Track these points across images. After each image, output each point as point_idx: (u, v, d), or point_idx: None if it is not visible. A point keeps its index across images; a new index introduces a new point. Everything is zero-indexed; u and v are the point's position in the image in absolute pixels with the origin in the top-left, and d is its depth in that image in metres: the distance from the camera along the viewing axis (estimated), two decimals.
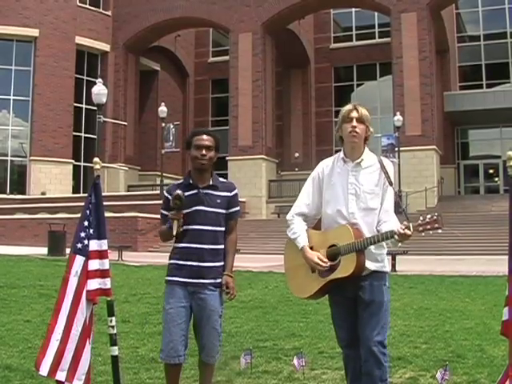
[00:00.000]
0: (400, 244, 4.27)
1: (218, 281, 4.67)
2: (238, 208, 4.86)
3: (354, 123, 4.36)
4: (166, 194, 4.79)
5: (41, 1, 41.08)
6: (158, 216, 5.02)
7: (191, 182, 4.75)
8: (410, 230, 4.13)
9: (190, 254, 4.62)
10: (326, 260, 4.31)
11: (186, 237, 4.63)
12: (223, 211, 4.73)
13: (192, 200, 4.65)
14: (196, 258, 4.62)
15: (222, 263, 4.73)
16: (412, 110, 37.58)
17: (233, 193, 4.81)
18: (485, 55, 46.69)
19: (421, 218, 4.20)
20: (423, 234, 4.21)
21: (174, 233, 4.56)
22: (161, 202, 4.95)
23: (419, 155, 37.29)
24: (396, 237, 4.14)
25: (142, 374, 6.04)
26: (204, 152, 4.68)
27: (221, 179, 4.86)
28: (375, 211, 4.35)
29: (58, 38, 41.44)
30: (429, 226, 4.16)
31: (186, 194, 4.66)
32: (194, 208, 4.63)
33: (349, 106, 4.43)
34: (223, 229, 4.75)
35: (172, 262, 4.74)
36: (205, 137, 4.73)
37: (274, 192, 40.98)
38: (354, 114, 4.37)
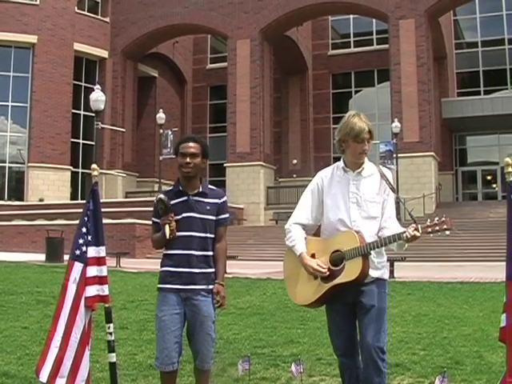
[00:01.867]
0: (406, 247, 4.29)
1: (211, 287, 4.67)
2: (227, 215, 4.85)
3: (366, 146, 4.35)
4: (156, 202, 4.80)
5: (39, 7, 41.15)
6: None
7: (181, 189, 4.74)
8: (418, 231, 4.14)
9: (180, 260, 4.62)
10: (324, 266, 4.31)
11: (176, 244, 4.63)
12: (213, 218, 4.72)
13: (182, 207, 4.65)
14: (186, 264, 4.61)
15: (213, 270, 4.72)
16: (410, 116, 37.64)
17: (222, 200, 4.80)
18: (482, 62, 46.79)
19: (429, 220, 4.22)
20: (432, 235, 4.22)
21: (167, 236, 4.55)
22: None
23: (417, 162, 37.33)
24: (407, 235, 4.13)
25: (139, 380, 6.03)
26: (188, 160, 4.66)
27: (210, 186, 4.85)
28: (377, 219, 4.37)
29: (56, 45, 41.49)
30: (437, 228, 4.17)
31: (176, 201, 4.68)
32: (184, 215, 4.63)
33: (360, 125, 4.30)
34: (213, 236, 4.74)
35: (163, 269, 4.72)
36: (190, 144, 4.72)
37: (272, 199, 40.97)
38: (367, 136, 4.32)
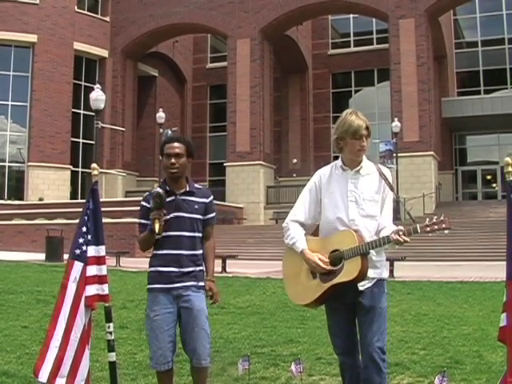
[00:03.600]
0: (397, 246, 4.24)
1: (201, 284, 4.69)
2: (214, 214, 4.87)
3: (364, 143, 4.33)
4: (144, 203, 4.75)
5: (39, 6, 41.09)
6: None
7: (167, 189, 4.73)
8: (405, 235, 4.11)
9: (169, 260, 4.62)
10: (326, 260, 4.29)
11: (165, 243, 4.63)
12: (200, 217, 4.74)
13: (170, 206, 4.64)
14: (176, 264, 4.61)
15: (201, 268, 4.74)
16: (410, 115, 37.63)
17: (209, 199, 4.83)
18: (482, 61, 46.78)
19: (427, 219, 4.19)
20: (430, 234, 4.20)
21: (156, 231, 4.50)
22: None
23: (417, 161, 37.32)
24: (393, 239, 4.11)
25: (139, 380, 6.02)
26: (173, 160, 4.66)
27: (196, 185, 4.86)
28: (375, 218, 4.35)
29: (56, 44, 41.45)
30: (436, 227, 4.15)
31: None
32: (173, 214, 4.63)
33: (358, 122, 4.30)
34: (201, 234, 4.76)
35: (152, 269, 4.72)
36: (175, 144, 4.72)
37: (271, 198, 40.97)
38: (365, 132, 4.30)
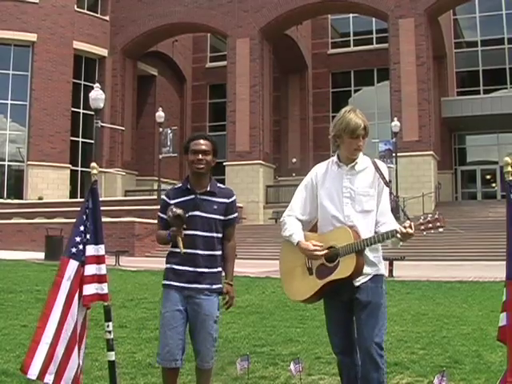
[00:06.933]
0: (400, 244, 4.23)
1: (214, 286, 4.67)
2: (235, 215, 4.86)
3: (361, 142, 4.31)
4: (165, 198, 4.81)
5: (39, 6, 41.11)
6: (156, 221, 5.02)
7: (189, 187, 4.75)
8: (412, 228, 4.09)
9: (185, 259, 4.62)
10: (320, 244, 4.28)
11: None
12: (220, 217, 4.72)
13: (189, 205, 4.65)
14: (191, 263, 4.62)
15: (218, 269, 4.73)
16: (409, 115, 37.62)
17: (231, 199, 4.81)
18: (482, 61, 46.78)
19: (422, 218, 4.18)
20: (425, 233, 4.17)
21: (181, 252, 4.54)
22: (158, 206, 4.95)
23: (416, 161, 37.33)
24: (398, 235, 4.10)
25: (138, 379, 6.02)
26: (200, 156, 4.67)
27: (219, 185, 4.85)
28: (371, 213, 4.32)
29: (55, 43, 41.48)
30: (430, 225, 4.13)
31: (183, 199, 4.69)
32: (190, 213, 4.63)
33: (356, 121, 4.27)
34: (220, 235, 4.74)
35: (168, 266, 4.75)
36: (202, 141, 4.74)
37: (271, 197, 40.99)
38: (362, 132, 4.28)
